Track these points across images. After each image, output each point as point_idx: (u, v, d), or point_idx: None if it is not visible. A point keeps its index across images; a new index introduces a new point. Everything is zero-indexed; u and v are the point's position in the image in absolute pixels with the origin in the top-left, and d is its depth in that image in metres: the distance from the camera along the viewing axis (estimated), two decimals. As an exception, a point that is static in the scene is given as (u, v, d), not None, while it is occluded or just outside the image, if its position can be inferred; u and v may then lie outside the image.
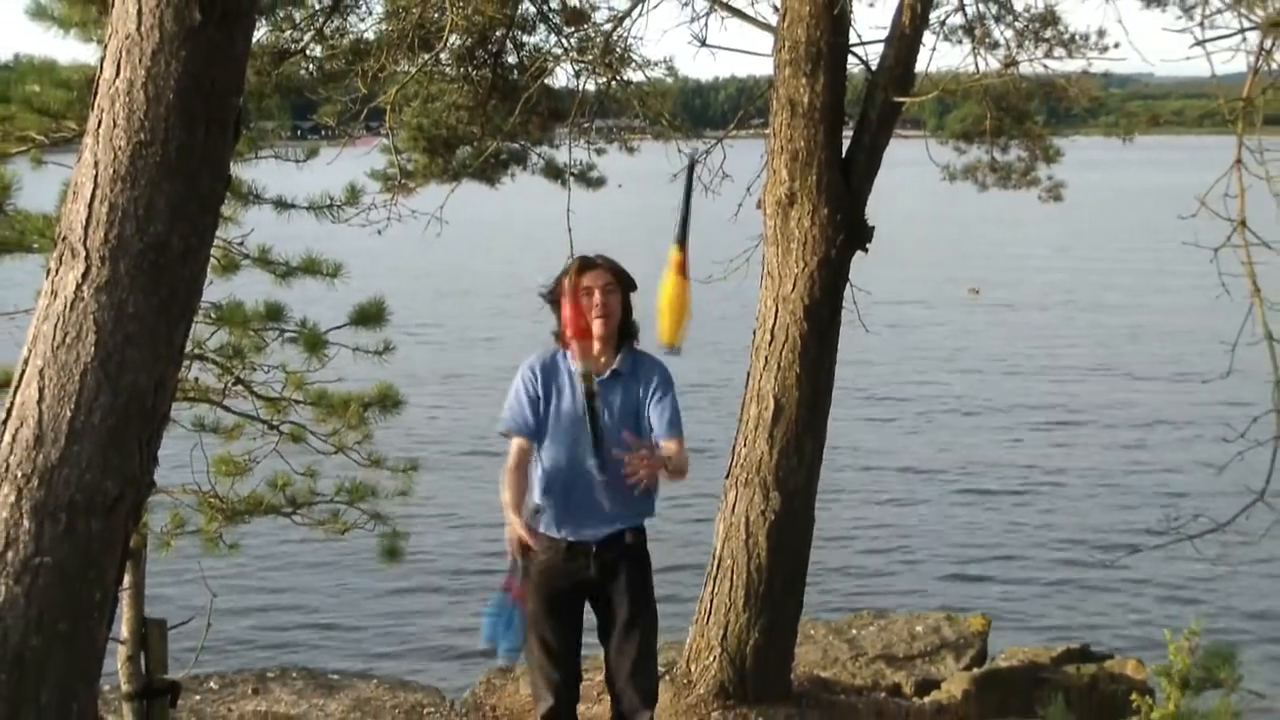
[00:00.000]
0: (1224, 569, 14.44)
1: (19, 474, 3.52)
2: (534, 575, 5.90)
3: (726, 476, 8.25)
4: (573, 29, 9.78)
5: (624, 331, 5.96)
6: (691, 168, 6.07)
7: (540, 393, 5.91)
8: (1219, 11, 6.06)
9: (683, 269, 5.71)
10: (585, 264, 5.90)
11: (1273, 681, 10.07)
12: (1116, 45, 9.74)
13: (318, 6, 8.31)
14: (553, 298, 5.95)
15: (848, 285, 8.14)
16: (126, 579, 5.78)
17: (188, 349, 5.32)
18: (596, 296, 5.80)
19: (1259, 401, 5.79)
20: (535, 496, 5.90)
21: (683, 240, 5.63)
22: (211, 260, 4.97)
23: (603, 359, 5.90)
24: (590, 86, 9.98)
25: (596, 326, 5.82)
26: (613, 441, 5.76)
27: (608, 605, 6.01)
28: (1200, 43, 5.91)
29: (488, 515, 16.40)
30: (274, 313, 6.43)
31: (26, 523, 3.50)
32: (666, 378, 5.97)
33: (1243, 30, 5.96)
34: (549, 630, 5.93)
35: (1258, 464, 5.74)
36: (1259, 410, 5.76)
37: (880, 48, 8.17)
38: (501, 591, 5.73)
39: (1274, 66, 5.95)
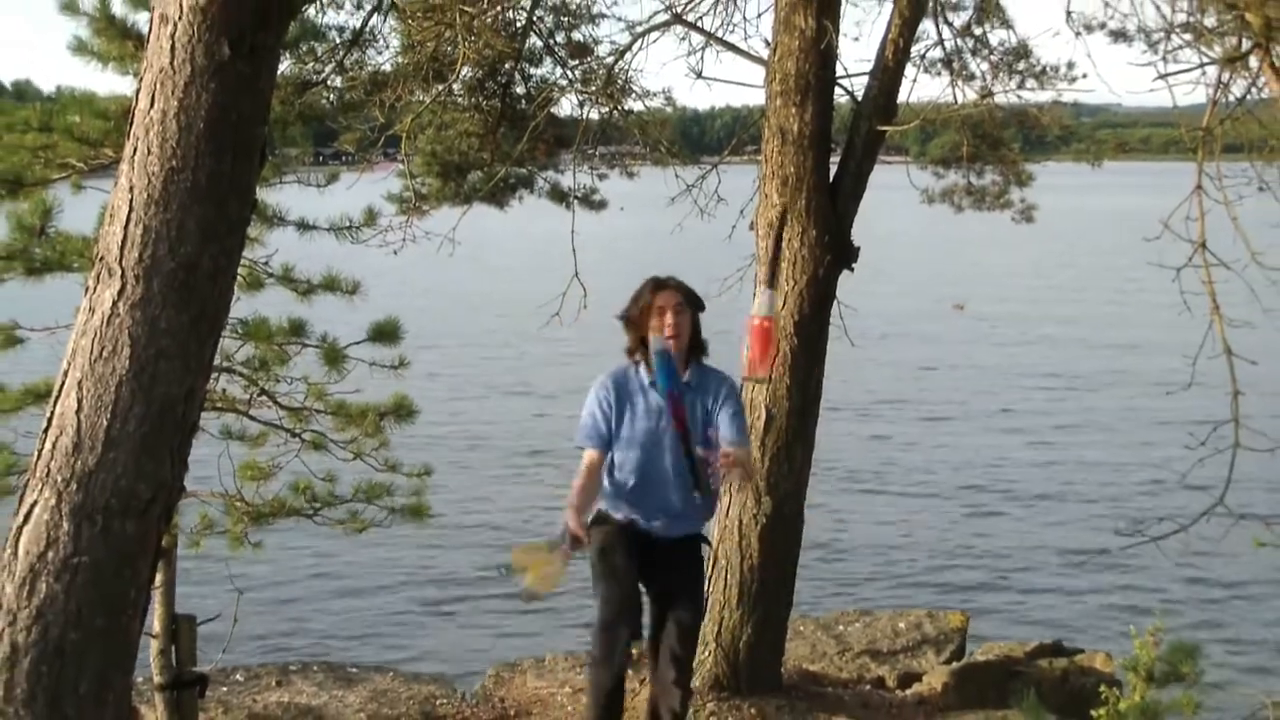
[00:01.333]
0: (1188, 569, 14.48)
1: (59, 479, 3.54)
2: (599, 561, 5.95)
3: (721, 481, 8.26)
4: (577, 62, 9.81)
5: (694, 347, 6.04)
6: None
7: (614, 406, 5.99)
8: (1180, 47, 6.10)
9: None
10: (659, 285, 6.01)
11: (1233, 675, 10.07)
12: (1084, 77, 9.77)
13: (338, 41, 8.33)
14: (628, 317, 6.02)
15: (835, 302, 8.16)
16: (158, 577, 5.79)
17: (216, 362, 5.34)
18: (668, 316, 5.88)
19: (1219, 412, 5.81)
20: (603, 503, 5.97)
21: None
22: (238, 279, 5.00)
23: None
24: (593, 115, 10.01)
25: (670, 345, 5.88)
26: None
27: (661, 595, 6.08)
28: (1163, 76, 5.95)
29: (498, 518, 16.46)
30: (296, 328, 6.44)
31: (66, 524, 3.52)
32: (733, 389, 6.09)
33: (1202, 65, 5.99)
34: (620, 560, 5.93)
35: (1218, 470, 5.77)
36: (1219, 420, 5.79)
37: (865, 80, 8.19)
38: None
39: (1231, 98, 5.98)
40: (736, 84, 11.84)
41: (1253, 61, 5.77)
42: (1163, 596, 14.12)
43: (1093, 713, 7.14)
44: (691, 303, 6.00)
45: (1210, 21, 6.08)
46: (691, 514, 6.10)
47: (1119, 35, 7.17)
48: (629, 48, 9.45)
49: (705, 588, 6.19)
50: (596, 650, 5.98)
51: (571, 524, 5.65)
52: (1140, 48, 6.58)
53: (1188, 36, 6.16)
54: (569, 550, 5.66)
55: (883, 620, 10.73)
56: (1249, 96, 6.06)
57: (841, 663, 9.77)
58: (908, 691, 9.29)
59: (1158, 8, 6.68)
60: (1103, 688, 7.91)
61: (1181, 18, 6.41)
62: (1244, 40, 5.75)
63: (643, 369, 5.98)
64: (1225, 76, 5.99)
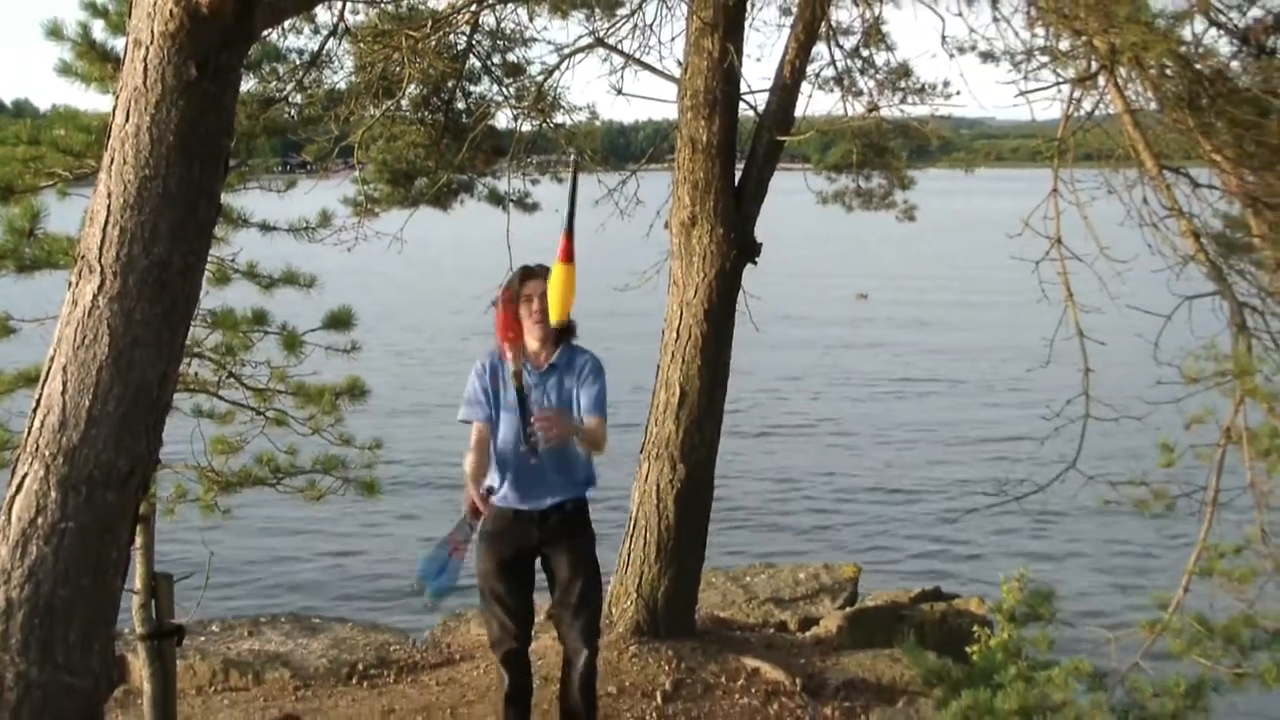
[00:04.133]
0: (1047, 524, 14.73)
1: (47, 453, 3.52)
2: (486, 542, 5.92)
3: (641, 451, 8.31)
4: (511, 80, 9.81)
5: (563, 330, 5.89)
6: (575, 168, 6.03)
7: (489, 387, 5.90)
8: (1039, 68, 6.19)
9: (568, 255, 5.63)
10: (527, 273, 5.90)
11: (1081, 614, 10.24)
12: (959, 94, 9.86)
13: (298, 62, 8.27)
14: (500, 303, 5.95)
15: (741, 292, 8.22)
16: (138, 540, 5.76)
17: (187, 348, 5.32)
18: (535, 303, 5.79)
19: (1072, 386, 5.92)
20: (491, 476, 5.91)
21: (569, 229, 5.57)
22: (207, 274, 4.98)
23: (542, 355, 5.90)
24: (526, 128, 10.02)
25: (536, 329, 5.82)
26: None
27: (553, 564, 6.00)
28: (1024, 93, 6.04)
29: (443, 483, 16.44)
30: (260, 318, 6.40)
31: (54, 494, 3.51)
32: (596, 367, 5.95)
33: (1057, 84, 6.09)
34: (502, 588, 5.92)
35: (1071, 437, 5.88)
36: (1072, 393, 5.90)
37: (766, 95, 8.26)
38: (444, 541, 5.75)
39: (1083, 113, 6.08)
40: (653, 99, 11.85)
41: (1100, 81, 5.87)
42: (1025, 549, 14.36)
43: (968, 649, 7.27)
44: None
45: (1064, 45, 6.18)
46: (557, 484, 5.93)
47: (987, 56, 7.26)
48: (557, 68, 9.48)
49: (594, 548, 6.10)
50: (495, 653, 6.12)
51: (473, 494, 5.65)
52: (1006, 67, 6.66)
53: (1045, 59, 6.25)
54: (465, 546, 5.67)
55: (785, 572, 10.82)
56: (1097, 111, 6.16)
57: (749, 610, 9.86)
58: (807, 634, 9.39)
59: (1017, 33, 6.76)
60: (976, 628, 8.08)
61: (1040, 41, 6.51)
62: (1093, 62, 5.84)
63: (508, 352, 5.84)
64: (1077, 94, 6.09)
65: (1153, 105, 5.91)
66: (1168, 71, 5.63)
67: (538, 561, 6.07)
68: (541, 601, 6.25)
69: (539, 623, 6.38)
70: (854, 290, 41.62)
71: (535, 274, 5.86)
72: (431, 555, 5.85)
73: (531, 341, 5.87)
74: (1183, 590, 5.25)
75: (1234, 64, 5.65)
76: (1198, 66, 5.57)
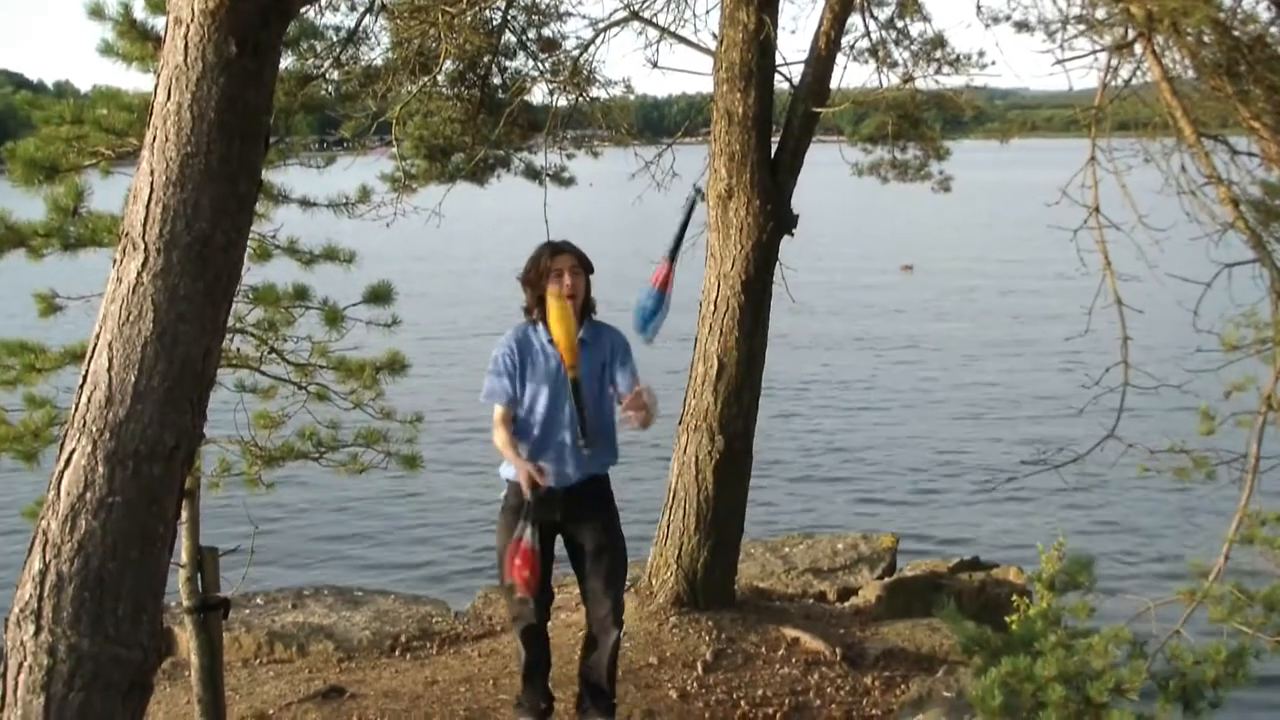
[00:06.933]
0: (1085, 492, 14.64)
1: (94, 429, 3.56)
2: (508, 517, 5.92)
3: (679, 423, 8.30)
4: (547, 55, 9.80)
5: (584, 306, 5.94)
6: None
7: (517, 363, 5.89)
8: (1075, 36, 6.11)
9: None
10: (555, 249, 5.89)
11: (1120, 582, 10.20)
12: (994, 64, 9.79)
13: (335, 39, 8.29)
14: (526, 279, 5.95)
15: (778, 264, 8.19)
16: (184, 514, 5.80)
17: (230, 324, 5.35)
18: (565, 277, 5.79)
19: (1111, 356, 5.87)
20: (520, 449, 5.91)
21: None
22: (248, 250, 5.01)
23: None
24: (562, 102, 10.01)
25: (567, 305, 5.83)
26: (587, 401, 5.80)
27: (579, 538, 6.00)
28: (1060, 62, 5.97)
29: (482, 459, 16.49)
30: (301, 293, 6.42)
31: (101, 469, 3.54)
32: (625, 345, 5.99)
33: (1094, 52, 6.02)
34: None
35: (1110, 406, 5.84)
36: (1111, 362, 5.85)
37: (801, 68, 8.21)
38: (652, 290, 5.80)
39: (1120, 81, 6.01)
40: (688, 73, 11.80)
41: (1137, 48, 5.79)
42: (1065, 517, 14.30)
43: (1006, 619, 7.24)
44: (584, 265, 5.90)
45: (1100, 13, 6.10)
46: (589, 458, 5.93)
47: (1022, 26, 7.17)
48: (592, 42, 9.46)
49: (619, 521, 6.10)
50: (514, 628, 6.19)
51: (521, 466, 5.65)
52: (1041, 37, 6.59)
53: (1081, 27, 6.17)
54: (529, 535, 5.65)
55: (823, 542, 10.82)
56: (1135, 79, 6.09)
57: (788, 580, 9.86)
58: (846, 604, 9.39)
59: (1054, 1, 6.69)
60: (1014, 597, 8.04)
61: (1076, 10, 6.43)
62: (1129, 30, 5.77)
63: (540, 328, 5.87)
64: (1114, 62, 6.01)
65: (1190, 73, 5.83)
66: (1206, 38, 5.55)
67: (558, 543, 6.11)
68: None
69: (579, 594, 6.39)
70: (897, 262, 41.47)
71: (562, 249, 5.87)
72: (641, 305, 6.07)
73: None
74: (1223, 558, 5.20)
75: (1273, 29, 5.57)
76: (1236, 33, 5.49)
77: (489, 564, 13.14)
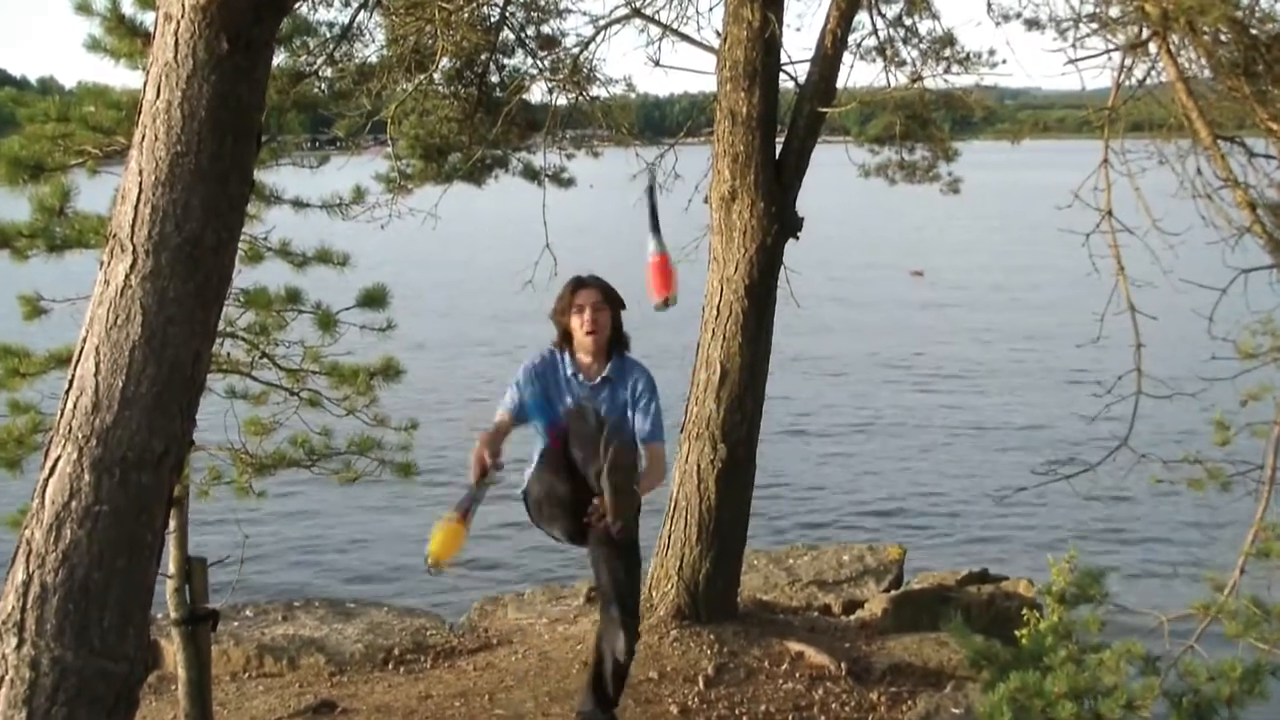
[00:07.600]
0: (1096, 504, 14.62)
1: (80, 435, 3.55)
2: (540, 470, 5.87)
3: (681, 431, 8.29)
4: (546, 53, 9.79)
5: (616, 341, 5.89)
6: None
7: (532, 392, 5.84)
8: (1088, 35, 6.12)
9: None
10: (579, 284, 5.89)
11: (1132, 596, 10.19)
12: (1004, 63, 9.81)
13: (328, 35, 8.28)
14: (554, 313, 5.92)
15: (782, 268, 8.19)
16: (172, 523, 5.80)
17: (220, 328, 5.35)
18: (587, 314, 5.77)
19: (1124, 363, 5.87)
20: (530, 470, 5.89)
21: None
22: (239, 252, 5.00)
23: (595, 367, 5.87)
24: (561, 101, 10.00)
25: (589, 341, 5.78)
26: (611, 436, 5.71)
27: (597, 550, 5.93)
28: (1073, 61, 5.98)
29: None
30: (293, 296, 6.43)
31: (87, 476, 3.54)
32: (650, 384, 5.88)
33: (1107, 51, 6.02)
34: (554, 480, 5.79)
35: (1122, 415, 5.83)
36: (1123, 369, 5.85)
37: (807, 66, 8.20)
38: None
39: (1134, 81, 6.01)
40: (691, 71, 11.81)
41: (1152, 48, 5.80)
42: (1075, 529, 14.28)
43: (1016, 632, 7.24)
44: (610, 300, 5.85)
45: (1114, 11, 6.11)
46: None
47: (1033, 24, 7.19)
48: (593, 39, 9.45)
49: (637, 532, 6.02)
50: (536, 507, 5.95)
51: (483, 453, 5.53)
52: (1053, 35, 6.60)
53: (1094, 25, 6.18)
54: (469, 507, 5.57)
55: (828, 553, 10.82)
56: (1149, 79, 6.09)
57: (791, 592, 9.86)
58: (851, 617, 9.39)
59: (1066, -1, 6.69)
60: (1024, 610, 8.05)
61: (1088, 8, 6.44)
62: (1144, 29, 5.78)
63: (568, 357, 5.85)
64: (1128, 62, 6.02)
65: (1206, 73, 5.84)
66: (1223, 37, 5.56)
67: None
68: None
69: (579, 606, 6.36)
70: (905, 267, 41.44)
71: (586, 284, 5.86)
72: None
73: (584, 355, 5.86)
74: (1238, 572, 5.20)
75: (1292, 29, 5.57)
76: (1254, 31, 5.50)
77: (485, 576, 13.16)
